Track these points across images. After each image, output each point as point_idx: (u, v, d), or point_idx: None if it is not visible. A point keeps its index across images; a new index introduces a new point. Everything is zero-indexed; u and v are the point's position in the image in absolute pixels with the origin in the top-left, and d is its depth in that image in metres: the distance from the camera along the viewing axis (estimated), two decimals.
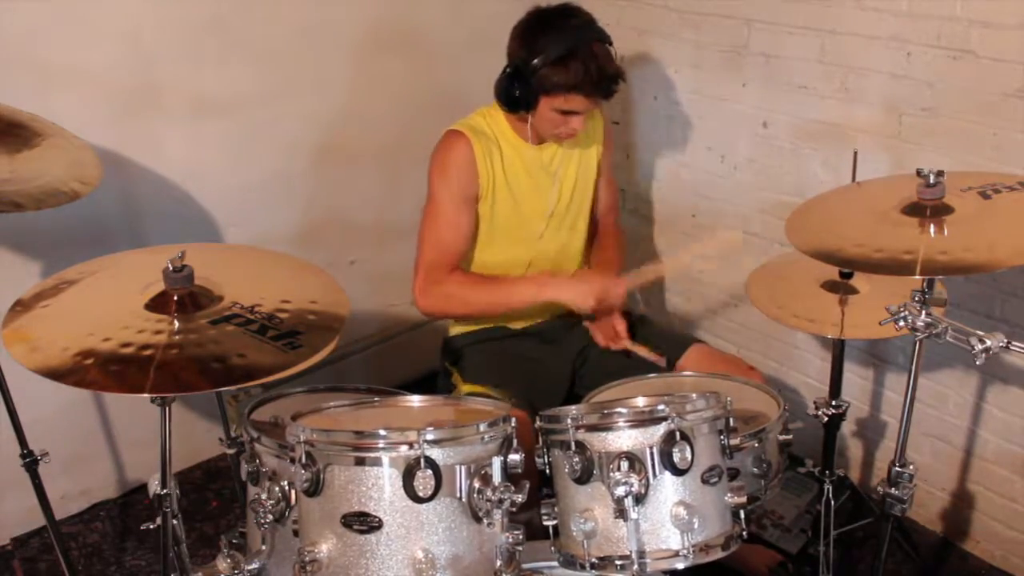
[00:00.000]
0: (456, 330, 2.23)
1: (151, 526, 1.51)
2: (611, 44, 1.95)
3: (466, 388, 2.08)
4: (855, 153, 1.88)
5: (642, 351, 2.07)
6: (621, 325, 2.10)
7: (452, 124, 2.07)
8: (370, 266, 2.77)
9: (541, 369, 2.13)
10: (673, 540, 1.35)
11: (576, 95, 1.91)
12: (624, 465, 1.34)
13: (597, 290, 2.00)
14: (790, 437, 1.70)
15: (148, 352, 1.26)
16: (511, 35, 1.99)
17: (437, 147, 2.07)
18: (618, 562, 1.36)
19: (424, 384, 2.65)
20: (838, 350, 1.91)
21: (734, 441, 1.49)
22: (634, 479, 1.32)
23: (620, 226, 2.37)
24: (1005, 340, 1.28)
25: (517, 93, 1.95)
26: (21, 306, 1.39)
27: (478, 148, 2.02)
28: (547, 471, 1.47)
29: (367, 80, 2.59)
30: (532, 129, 2.04)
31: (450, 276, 2.04)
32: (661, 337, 2.13)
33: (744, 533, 1.44)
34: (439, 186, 2.04)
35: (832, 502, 1.90)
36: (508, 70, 1.96)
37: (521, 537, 1.33)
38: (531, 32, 1.94)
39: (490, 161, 2.04)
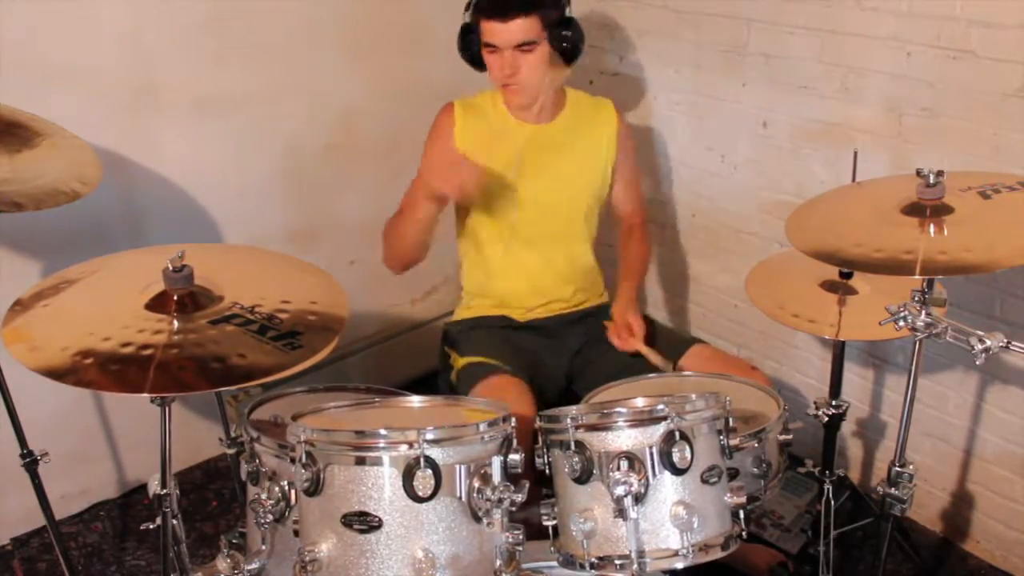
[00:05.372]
0: (457, 316, 2.25)
1: (151, 526, 1.51)
2: None
3: (462, 361, 2.06)
4: (855, 153, 1.88)
5: (652, 355, 2.00)
6: (637, 324, 2.04)
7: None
8: (370, 266, 2.74)
9: (538, 363, 2.12)
10: (672, 540, 1.36)
11: (485, 20, 1.95)
12: (624, 465, 1.34)
13: (433, 164, 1.99)
14: (790, 437, 1.70)
15: (148, 352, 1.27)
16: None
17: None
18: (618, 562, 1.36)
19: (424, 384, 2.65)
20: (838, 350, 1.91)
21: (734, 441, 1.49)
22: (633, 479, 1.32)
23: (647, 231, 2.31)
24: (1005, 340, 1.28)
25: (463, 44, 2.02)
26: (21, 306, 1.39)
27: (460, 119, 2.06)
28: (547, 471, 1.47)
29: (367, 79, 2.59)
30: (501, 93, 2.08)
31: None
32: (663, 337, 2.12)
33: (744, 533, 1.44)
34: (424, 153, 2.10)
35: (832, 502, 1.90)
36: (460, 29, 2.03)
37: (521, 537, 1.34)
38: None
39: (471, 134, 2.06)
